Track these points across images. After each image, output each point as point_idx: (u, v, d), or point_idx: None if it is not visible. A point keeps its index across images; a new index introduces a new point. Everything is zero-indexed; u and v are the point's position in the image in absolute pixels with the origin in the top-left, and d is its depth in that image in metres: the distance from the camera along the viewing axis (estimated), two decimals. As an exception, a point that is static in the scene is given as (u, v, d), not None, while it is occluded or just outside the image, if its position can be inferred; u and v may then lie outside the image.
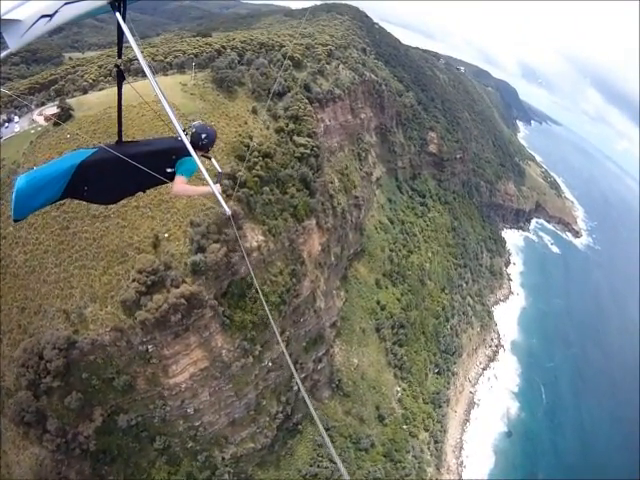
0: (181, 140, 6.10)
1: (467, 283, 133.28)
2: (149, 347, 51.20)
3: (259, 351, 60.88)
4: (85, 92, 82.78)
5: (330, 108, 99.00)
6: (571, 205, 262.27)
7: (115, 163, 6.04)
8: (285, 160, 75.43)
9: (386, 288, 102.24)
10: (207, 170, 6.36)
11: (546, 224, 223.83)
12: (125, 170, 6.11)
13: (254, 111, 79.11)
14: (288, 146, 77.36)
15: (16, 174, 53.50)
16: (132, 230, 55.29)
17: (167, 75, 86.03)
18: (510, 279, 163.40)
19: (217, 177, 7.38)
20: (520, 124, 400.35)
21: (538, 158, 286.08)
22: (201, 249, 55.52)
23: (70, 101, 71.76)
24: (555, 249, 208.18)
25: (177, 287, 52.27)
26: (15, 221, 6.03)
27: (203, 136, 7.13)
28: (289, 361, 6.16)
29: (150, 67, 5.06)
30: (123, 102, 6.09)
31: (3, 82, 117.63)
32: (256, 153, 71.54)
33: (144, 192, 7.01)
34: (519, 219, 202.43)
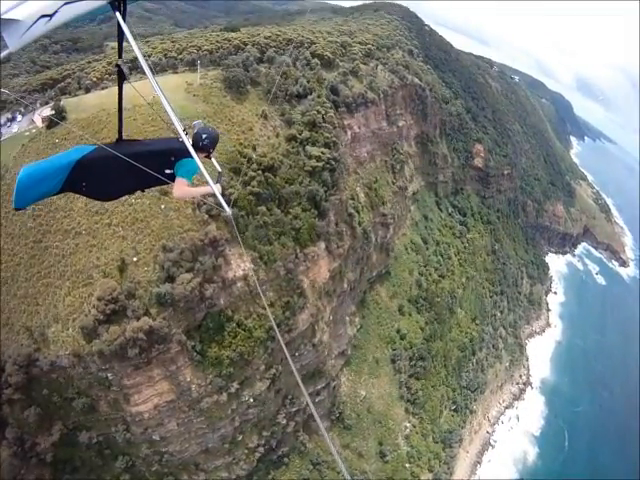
0: (181, 141, 5.88)
1: (502, 312, 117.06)
2: (108, 375, 46.02)
3: (236, 388, 52.31)
4: (88, 91, 72.87)
5: (361, 113, 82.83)
6: (620, 231, 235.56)
7: (113, 161, 5.75)
8: (292, 174, 60.95)
9: (409, 315, 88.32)
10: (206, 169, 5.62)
11: (593, 250, 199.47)
12: (123, 169, 5.79)
13: (264, 115, 64.56)
14: (298, 157, 62.49)
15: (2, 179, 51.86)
16: (100, 250, 48.66)
17: (177, 73, 73.58)
18: (549, 309, 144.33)
19: (217, 176, 6.66)
20: (573, 140, 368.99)
21: (590, 177, 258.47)
22: (170, 278, 47.41)
23: (70, 101, 64.75)
24: (600, 279, 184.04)
25: (138, 319, 45.20)
26: (16, 209, 5.97)
27: (204, 136, 6.62)
28: (293, 367, 6.59)
29: (150, 67, 4.64)
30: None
31: (40, 70, 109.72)
32: (255, 166, 57.28)
33: (142, 191, 6.62)
34: (565, 243, 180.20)
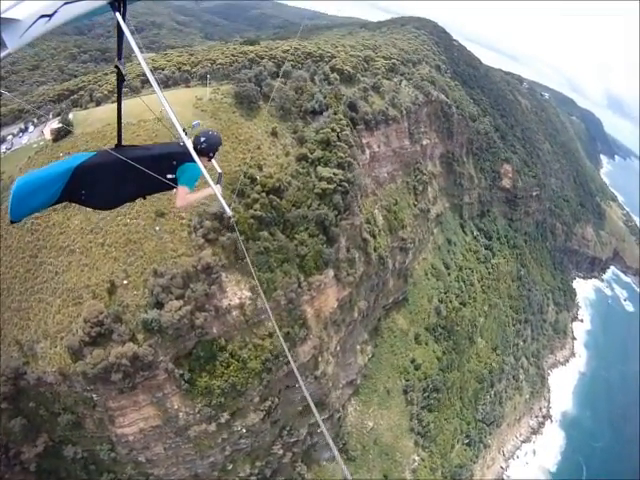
0: (182, 145, 5.66)
1: (525, 341, 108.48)
2: (93, 396, 43.63)
3: (227, 419, 48.13)
4: (98, 104, 69.34)
5: (381, 131, 75.70)
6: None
7: (113, 167, 5.51)
8: (300, 197, 54.49)
9: (426, 345, 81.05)
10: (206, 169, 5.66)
11: (622, 275, 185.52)
12: (124, 175, 5.58)
13: (274, 133, 58.29)
14: (308, 179, 55.87)
15: (9, 190, 42.59)
16: (91, 270, 46.04)
17: (189, 87, 68.64)
18: (574, 338, 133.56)
19: (218, 177, 6.54)
20: (603, 158, 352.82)
21: (620, 198, 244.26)
22: (159, 304, 44.01)
23: (79, 114, 63.02)
24: (628, 306, 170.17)
25: (123, 344, 42.40)
26: (12, 222, 5.46)
27: (202, 140, 6.36)
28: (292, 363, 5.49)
29: (150, 67, 4.46)
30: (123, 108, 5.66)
31: (67, 79, 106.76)
32: (259, 187, 50.92)
33: (144, 198, 6.18)
34: (594, 268, 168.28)
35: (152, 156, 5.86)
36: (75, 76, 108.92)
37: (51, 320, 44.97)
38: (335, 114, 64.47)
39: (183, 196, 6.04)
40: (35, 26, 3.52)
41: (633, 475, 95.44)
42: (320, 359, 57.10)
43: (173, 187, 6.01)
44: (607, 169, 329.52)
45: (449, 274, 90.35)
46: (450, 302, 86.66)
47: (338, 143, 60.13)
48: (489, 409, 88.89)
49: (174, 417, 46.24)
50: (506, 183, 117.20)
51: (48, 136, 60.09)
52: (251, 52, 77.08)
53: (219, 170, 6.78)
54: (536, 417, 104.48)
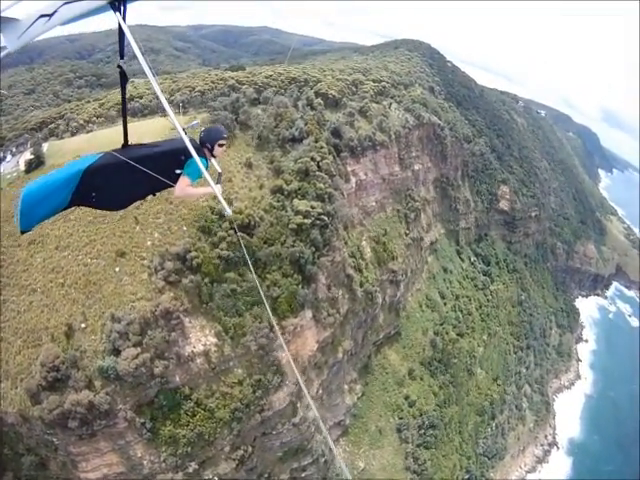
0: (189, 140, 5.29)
1: (527, 368, 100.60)
2: (54, 440, 40.25)
3: (195, 468, 42.67)
4: (73, 134, 65.46)
5: (368, 158, 69.14)
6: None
7: (122, 167, 5.34)
8: (273, 233, 48.18)
9: (420, 380, 73.88)
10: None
11: (625, 290, 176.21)
12: (132, 174, 5.37)
13: (248, 164, 52.26)
14: (282, 213, 49.56)
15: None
16: (51, 312, 42.33)
17: (166, 116, 62.61)
18: (579, 359, 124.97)
19: (217, 177, 6.19)
20: (601, 172, 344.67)
21: (620, 212, 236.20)
22: (116, 351, 39.88)
23: (54, 144, 59.93)
24: (634, 322, 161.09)
25: (79, 391, 38.40)
26: (22, 232, 5.36)
27: (202, 130, 6.42)
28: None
29: (150, 67, 4.31)
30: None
31: (61, 103, 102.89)
32: (227, 224, 44.78)
33: (154, 195, 6.19)
34: (597, 285, 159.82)
35: (159, 153, 5.73)
36: (69, 101, 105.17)
37: (12, 360, 41.55)
38: (316, 141, 58.29)
39: (183, 186, 5.81)
40: (35, 26, 3.46)
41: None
42: (299, 404, 50.78)
43: None
44: (606, 183, 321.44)
45: (445, 304, 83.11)
46: (446, 334, 79.19)
47: (318, 173, 53.81)
48: (490, 442, 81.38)
49: (138, 465, 41.71)
50: (504, 205, 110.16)
51: (22, 167, 56.32)
52: (232, 78, 71.55)
53: (219, 170, 6.51)
54: (541, 445, 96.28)
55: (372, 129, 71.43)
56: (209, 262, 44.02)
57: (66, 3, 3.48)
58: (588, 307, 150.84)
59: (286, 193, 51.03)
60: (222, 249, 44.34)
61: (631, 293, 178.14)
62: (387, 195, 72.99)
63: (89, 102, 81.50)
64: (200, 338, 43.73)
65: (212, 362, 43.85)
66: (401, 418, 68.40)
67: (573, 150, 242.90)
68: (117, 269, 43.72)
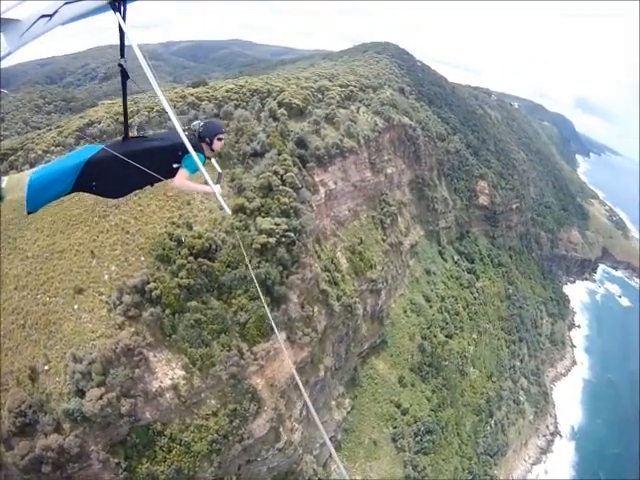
0: (187, 135, 5.22)
1: (522, 361, 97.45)
2: None
3: None
4: (32, 165, 59.21)
5: (337, 166, 65.79)
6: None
7: (120, 159, 5.53)
8: (236, 256, 44.34)
9: (412, 386, 70.56)
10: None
11: (613, 272, 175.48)
12: (131, 166, 5.54)
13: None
14: (245, 233, 46.17)
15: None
16: (15, 355, 40.15)
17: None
18: (573, 346, 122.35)
19: (217, 177, 6.39)
20: (579, 158, 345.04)
21: (601, 194, 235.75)
22: (80, 392, 36.94)
23: (12, 177, 49.14)
24: (625, 301, 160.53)
25: (47, 435, 36.09)
26: (28, 213, 5.73)
27: (200, 124, 6.56)
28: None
29: (150, 66, 4.27)
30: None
31: (31, 131, 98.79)
32: (186, 251, 41.35)
33: (152, 185, 6.29)
34: (584, 270, 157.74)
35: (159, 147, 5.86)
36: (39, 128, 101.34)
37: (-18, 407, 38.97)
38: (279, 154, 55.02)
39: (182, 178, 5.90)
40: (35, 26, 3.43)
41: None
42: (282, 429, 47.41)
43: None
44: (584, 168, 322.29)
45: (431, 307, 79.81)
46: (435, 337, 76.12)
47: (282, 187, 50.42)
48: (491, 440, 78.26)
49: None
50: (483, 200, 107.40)
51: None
52: (191, 95, 68.17)
53: (219, 170, 6.61)
54: (544, 436, 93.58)
55: (339, 136, 68.32)
56: (169, 292, 40.59)
57: (67, 3, 3.46)
58: (577, 293, 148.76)
59: (248, 212, 47.61)
60: (182, 277, 40.83)
61: (619, 273, 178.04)
62: (360, 202, 69.73)
63: (50, 130, 77.70)
64: (167, 372, 40.40)
65: (182, 395, 40.58)
66: (395, 427, 65.27)
67: (549, 138, 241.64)
68: (76, 307, 40.74)
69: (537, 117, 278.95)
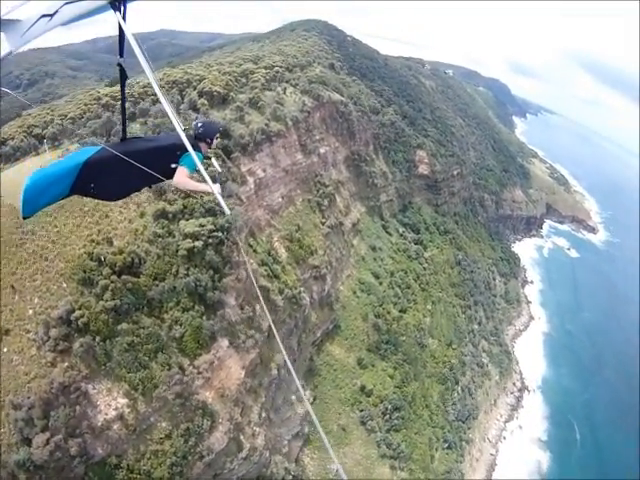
0: (185, 135, 5.15)
1: (480, 324, 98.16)
2: None
3: None
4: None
5: (264, 152, 62.67)
6: (582, 198, 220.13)
7: (119, 161, 5.41)
8: (162, 266, 41.03)
9: (372, 367, 69.37)
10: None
11: (559, 226, 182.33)
12: (129, 167, 5.45)
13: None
14: (169, 240, 42.67)
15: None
16: None
17: (39, 154, 53.58)
18: (529, 302, 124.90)
19: (217, 177, 6.47)
20: (516, 120, 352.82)
21: (540, 153, 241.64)
22: (27, 440, 33.91)
23: None
24: (573, 253, 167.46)
25: None
26: (24, 218, 5.53)
27: (199, 124, 6.44)
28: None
29: (150, 65, 4.50)
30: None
31: None
32: (108, 270, 37.71)
33: (150, 187, 6.39)
34: (531, 227, 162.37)
35: (157, 148, 5.80)
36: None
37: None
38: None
39: (182, 176, 5.76)
40: (36, 26, 3.43)
41: (633, 408, 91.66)
42: (242, 437, 44.77)
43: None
44: (522, 129, 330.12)
45: (381, 283, 78.65)
46: (388, 313, 75.18)
47: (201, 184, 47.24)
48: (460, 406, 78.85)
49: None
50: (423, 169, 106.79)
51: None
52: (105, 96, 63.20)
53: (219, 169, 6.59)
54: (512, 393, 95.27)
55: (265, 120, 65.16)
56: (97, 318, 36.79)
57: (67, 3, 3.44)
58: (527, 250, 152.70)
59: (171, 216, 44.14)
60: (107, 300, 36.96)
61: (565, 227, 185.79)
62: (293, 187, 67.02)
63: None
64: (109, 403, 37.05)
65: (130, 424, 37.58)
66: (362, 410, 64.23)
67: (485, 103, 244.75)
68: (5, 349, 37.31)
69: (472, 83, 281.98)
